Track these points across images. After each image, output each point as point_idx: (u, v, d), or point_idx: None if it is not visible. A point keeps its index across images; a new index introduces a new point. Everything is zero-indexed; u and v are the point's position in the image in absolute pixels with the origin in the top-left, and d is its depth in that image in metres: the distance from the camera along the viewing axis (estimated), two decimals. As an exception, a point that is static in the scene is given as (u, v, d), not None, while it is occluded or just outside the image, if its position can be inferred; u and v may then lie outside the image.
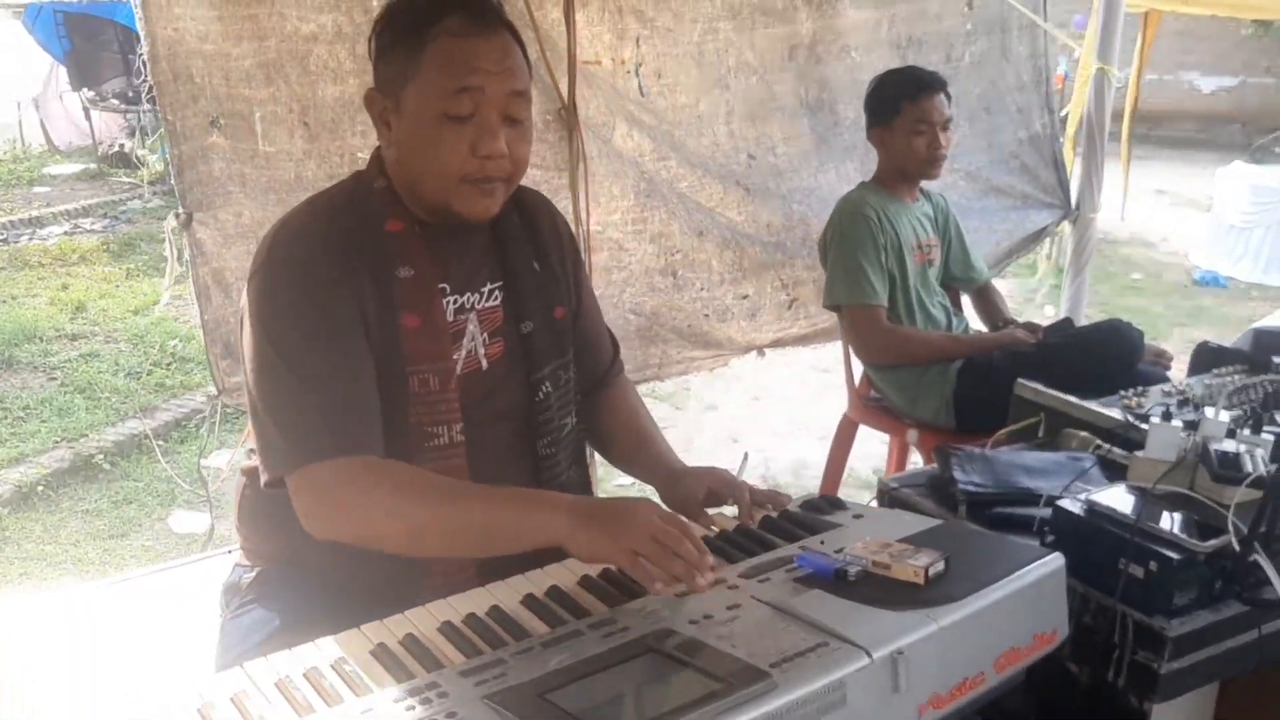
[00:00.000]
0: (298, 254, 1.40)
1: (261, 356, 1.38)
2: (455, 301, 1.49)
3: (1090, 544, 1.59)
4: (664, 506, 1.42)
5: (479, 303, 1.51)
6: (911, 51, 3.36)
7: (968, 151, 3.48)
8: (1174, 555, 1.50)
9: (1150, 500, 1.64)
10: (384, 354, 1.41)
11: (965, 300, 3.13)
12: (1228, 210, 8.85)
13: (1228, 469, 1.62)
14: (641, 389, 4.76)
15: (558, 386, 1.56)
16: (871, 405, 2.98)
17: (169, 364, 5.58)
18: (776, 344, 3.27)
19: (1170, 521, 1.59)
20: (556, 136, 2.61)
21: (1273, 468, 1.61)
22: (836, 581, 1.26)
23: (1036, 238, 3.63)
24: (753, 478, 4.87)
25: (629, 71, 2.82)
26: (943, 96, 2.75)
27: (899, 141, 2.76)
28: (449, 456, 1.43)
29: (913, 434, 2.75)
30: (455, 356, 1.46)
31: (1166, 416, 1.71)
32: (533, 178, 2.58)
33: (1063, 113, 3.73)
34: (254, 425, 1.41)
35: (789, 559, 1.33)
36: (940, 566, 1.26)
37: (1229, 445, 1.66)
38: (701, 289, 2.96)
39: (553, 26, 2.65)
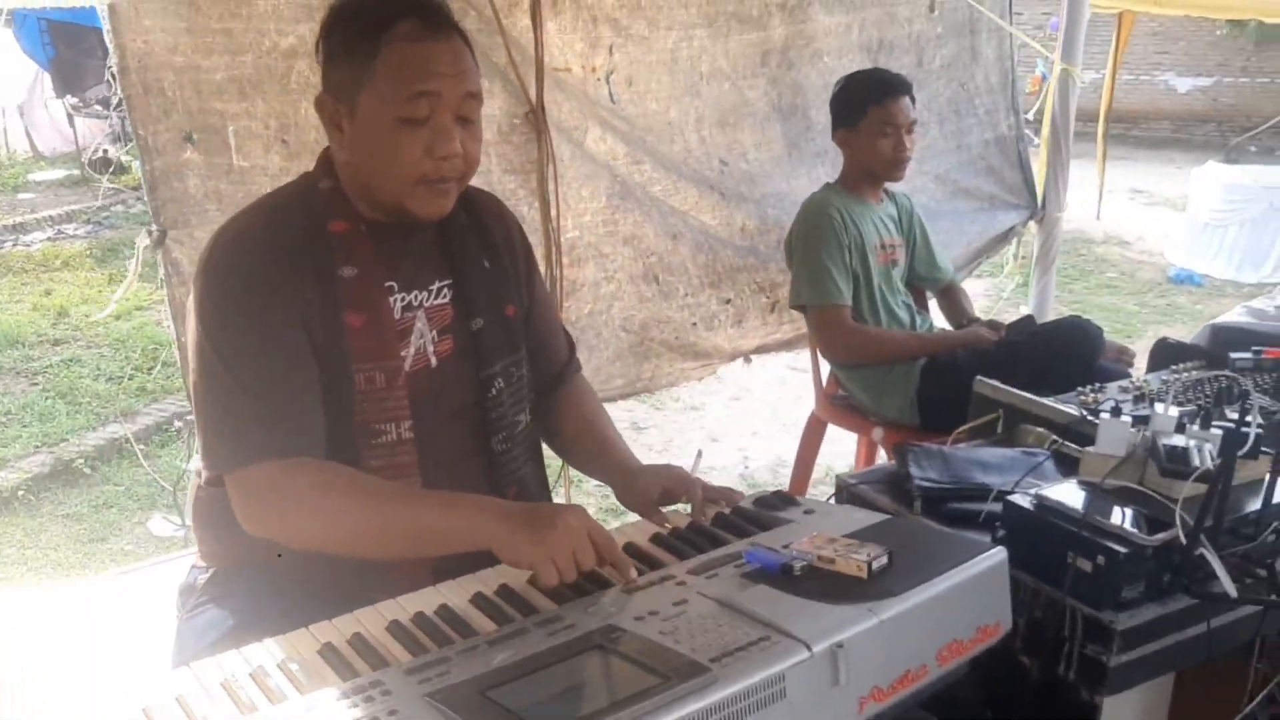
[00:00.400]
0: (239, 255, 1.42)
1: (202, 357, 1.41)
2: (403, 299, 1.50)
3: (1040, 538, 1.61)
4: (594, 516, 1.44)
5: (427, 300, 1.53)
6: (883, 55, 3.38)
7: (937, 154, 3.51)
8: (1121, 549, 1.52)
9: (1099, 495, 1.66)
10: (328, 353, 1.42)
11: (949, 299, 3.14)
12: (1202, 209, 8.93)
13: (1175, 463, 1.64)
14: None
15: (510, 383, 1.58)
16: (838, 404, 3.00)
17: (150, 368, 5.59)
18: (761, 350, 3.30)
19: (1119, 516, 1.61)
20: (524, 139, 2.63)
21: (1219, 461, 1.63)
22: (782, 576, 1.28)
23: (1005, 238, 3.66)
24: (732, 476, 4.88)
25: (599, 79, 2.84)
26: (908, 99, 2.78)
27: (864, 143, 2.78)
28: (397, 454, 1.45)
29: (878, 432, 2.77)
30: (403, 354, 1.48)
31: (1116, 412, 1.73)
32: (500, 179, 2.61)
33: (1029, 113, 3.76)
34: (197, 424, 1.43)
35: (738, 555, 1.35)
36: (884, 560, 1.28)
37: (1178, 440, 1.69)
38: (686, 295, 2.97)
39: (522, 33, 2.67)
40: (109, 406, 5.16)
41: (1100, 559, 1.53)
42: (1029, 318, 2.85)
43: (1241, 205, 8.70)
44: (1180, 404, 1.99)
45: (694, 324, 2.97)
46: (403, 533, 1.35)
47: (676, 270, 2.93)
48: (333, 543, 1.37)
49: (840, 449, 3.60)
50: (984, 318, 2.97)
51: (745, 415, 5.45)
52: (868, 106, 2.76)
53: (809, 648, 1.12)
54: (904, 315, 2.86)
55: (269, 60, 2.46)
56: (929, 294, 3.14)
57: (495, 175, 2.58)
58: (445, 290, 1.55)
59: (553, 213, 2.63)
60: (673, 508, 1.57)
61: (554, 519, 1.29)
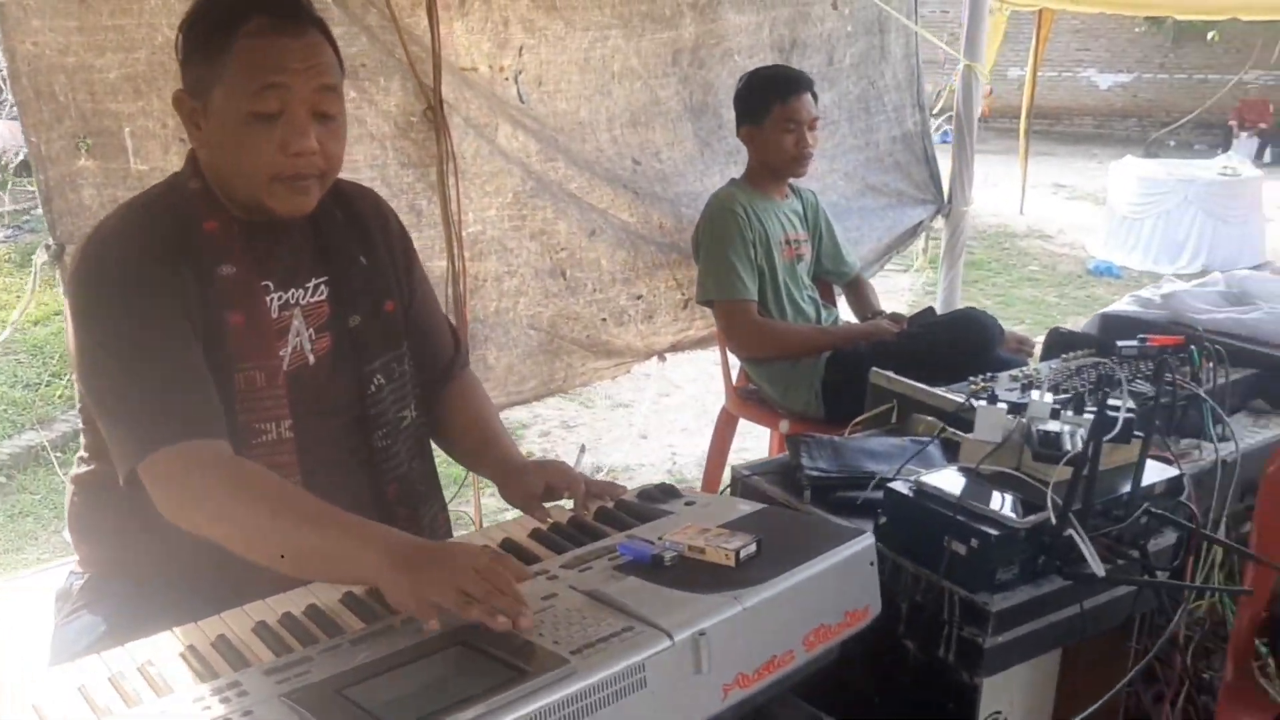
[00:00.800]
0: (116, 254, 1.41)
1: (92, 359, 1.39)
2: (279, 298, 1.50)
3: (917, 523, 1.65)
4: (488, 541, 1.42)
5: (303, 298, 1.52)
6: (795, 54, 3.42)
7: (847, 151, 3.57)
8: (993, 532, 1.56)
9: (977, 480, 1.70)
10: (210, 352, 1.41)
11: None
12: (1120, 203, 9.19)
13: (1048, 447, 1.68)
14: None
15: (391, 379, 1.58)
16: (747, 398, 3.04)
17: (69, 375, 5.47)
18: (676, 347, 3.32)
19: (996, 500, 1.65)
20: (423, 135, 2.62)
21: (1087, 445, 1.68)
22: (652, 568, 1.30)
23: (913, 233, 3.73)
24: (660, 473, 4.88)
25: (507, 79, 2.84)
26: (809, 96, 2.82)
27: (768, 140, 2.82)
28: (277, 452, 1.44)
29: (785, 424, 2.81)
30: (281, 353, 1.48)
31: (993, 400, 1.78)
32: (398, 174, 2.60)
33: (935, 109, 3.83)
34: (103, 428, 1.40)
35: (613, 548, 1.36)
36: (752, 549, 1.31)
37: (1052, 425, 1.73)
38: (594, 290, 2.98)
39: (425, 33, 2.66)
40: (25, 414, 5.04)
41: (974, 542, 1.57)
42: (929, 310, 2.91)
43: (1157, 198, 8.96)
44: (1064, 391, 2.04)
45: (603, 319, 2.98)
46: (291, 551, 1.29)
47: (586, 266, 2.93)
48: (232, 543, 1.34)
49: (763, 443, 3.64)
50: (912, 311, 3.01)
51: (673, 412, 5.48)
52: (770, 104, 2.79)
53: (670, 637, 1.14)
54: (810, 309, 2.90)
55: (162, 56, 2.42)
56: (836, 288, 3.19)
57: (393, 170, 2.58)
58: (322, 288, 1.54)
59: (453, 207, 2.62)
60: (556, 504, 1.58)
61: (437, 557, 1.22)
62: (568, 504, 1.58)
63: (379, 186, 2.52)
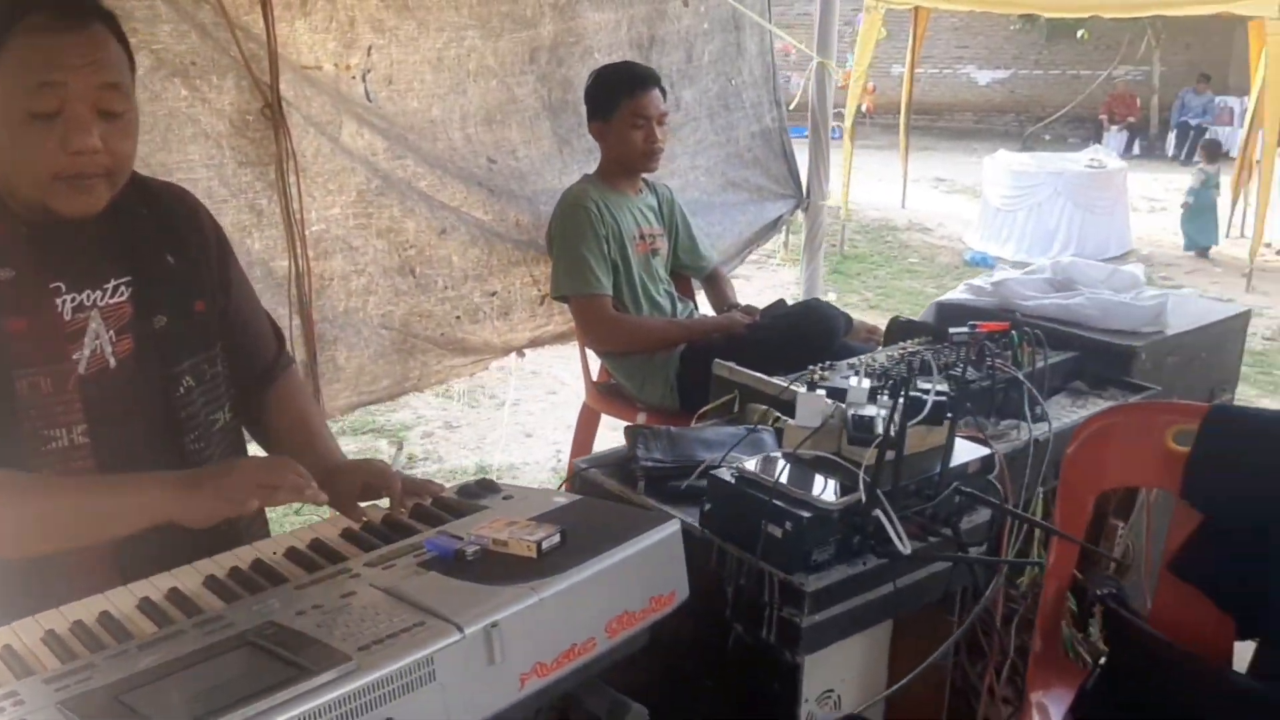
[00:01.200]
0: None
1: None
2: (73, 300, 1.46)
3: (739, 509, 1.69)
4: None
5: (101, 299, 1.48)
6: (654, 51, 3.45)
7: (708, 148, 3.62)
8: (805, 514, 1.60)
9: (798, 465, 1.75)
10: None
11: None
12: (994, 195, 9.52)
13: (861, 431, 1.74)
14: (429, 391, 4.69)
15: (202, 381, 1.56)
16: (606, 392, 3.06)
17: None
18: (535, 343, 3.32)
19: (817, 484, 1.70)
20: (260, 134, 2.57)
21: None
22: (455, 563, 1.30)
23: (773, 227, 3.80)
24: (544, 471, 4.85)
25: (354, 77, 2.80)
26: (658, 91, 2.85)
27: (618, 136, 2.84)
28: (71, 459, 1.41)
29: (641, 418, 2.84)
30: (76, 356, 1.44)
31: (811, 387, 1.83)
32: (236, 172, 2.55)
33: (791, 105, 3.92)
34: None
35: (419, 545, 1.37)
36: (555, 540, 1.32)
37: (869, 410, 1.79)
38: (446, 288, 2.96)
39: (264, 30, 2.62)
40: None
41: (788, 525, 1.61)
42: (780, 302, 2.97)
43: (1029, 191, 9.31)
44: (891, 377, 2.11)
45: (457, 317, 2.97)
46: (71, 520, 1.34)
47: (437, 264, 2.92)
48: (27, 545, 1.34)
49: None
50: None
51: (560, 409, 5.49)
52: (618, 99, 2.82)
53: (461, 630, 1.14)
54: (666, 303, 2.94)
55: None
56: (695, 282, 3.24)
57: (230, 169, 2.53)
58: (123, 288, 1.51)
59: (294, 206, 2.59)
60: (371, 503, 1.57)
61: (223, 468, 1.35)
62: (386, 503, 1.58)
63: (216, 186, 2.48)
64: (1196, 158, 10.56)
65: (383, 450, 5.32)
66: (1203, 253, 9.41)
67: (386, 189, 2.80)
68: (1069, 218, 9.20)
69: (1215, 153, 10.06)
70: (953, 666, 2.01)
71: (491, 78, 3.09)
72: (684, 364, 2.77)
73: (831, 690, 1.88)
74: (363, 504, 1.56)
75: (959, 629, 1.75)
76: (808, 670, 1.72)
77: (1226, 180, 9.59)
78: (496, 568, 1.28)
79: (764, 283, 7.52)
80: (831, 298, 8.16)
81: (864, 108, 15.16)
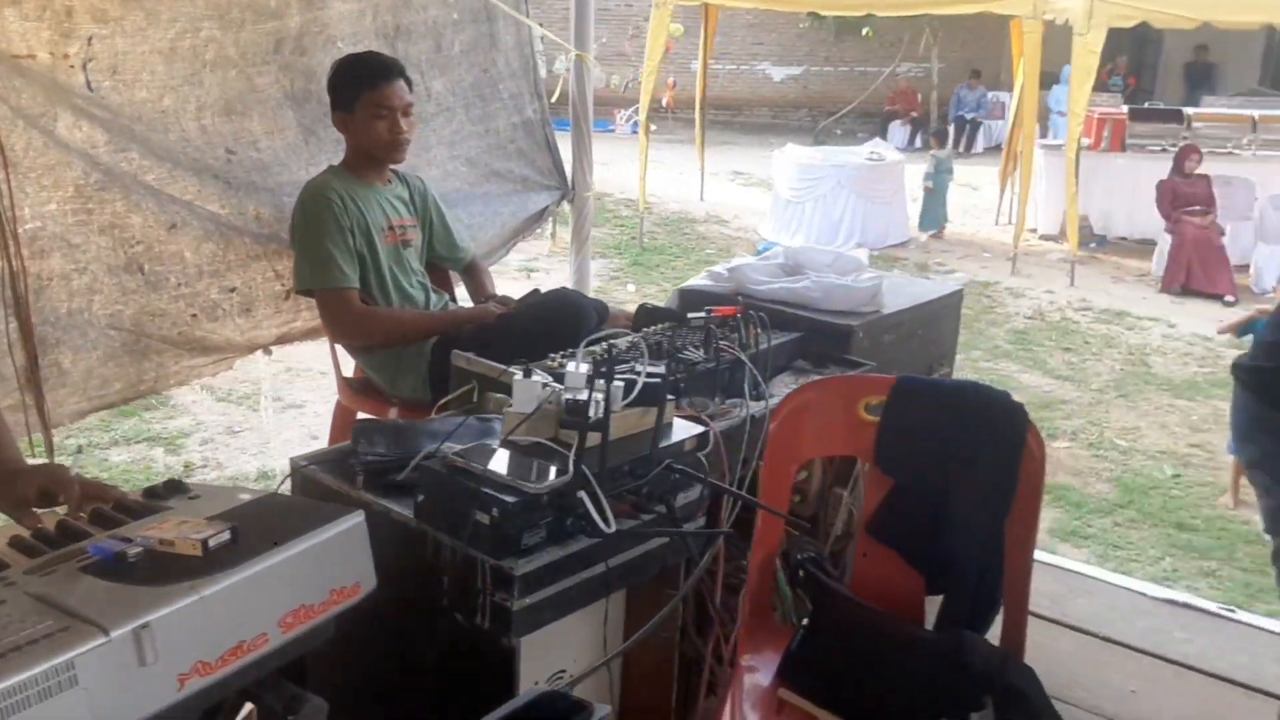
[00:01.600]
0: None
1: None
2: None
3: (450, 497, 1.70)
4: None
5: None
6: (401, 41, 3.39)
7: (466, 138, 3.59)
8: (511, 499, 1.62)
9: (513, 451, 1.77)
10: None
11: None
12: (784, 188, 9.91)
13: (574, 414, 1.77)
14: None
15: None
16: (358, 388, 3.01)
17: None
18: (284, 340, 3.21)
19: (528, 469, 1.72)
20: (-40, 131, 2.40)
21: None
22: (116, 565, 1.26)
23: (539, 218, 3.82)
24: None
25: (73, 67, 2.64)
26: (402, 82, 2.81)
27: (360, 127, 2.78)
28: None
29: (393, 413, 2.81)
30: None
31: (527, 374, 1.85)
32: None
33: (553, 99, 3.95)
34: None
35: (84, 549, 1.31)
36: (225, 537, 1.29)
37: (583, 394, 1.83)
38: (179, 285, 2.83)
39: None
40: None
41: (495, 511, 1.63)
42: (535, 291, 2.98)
43: (814, 183, 9.74)
44: (628, 360, 2.15)
45: (194, 315, 2.84)
46: None
47: (167, 260, 2.78)
48: None
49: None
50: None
51: (348, 410, 5.35)
52: (360, 91, 2.76)
53: (106, 632, 1.11)
54: (419, 295, 2.90)
55: None
56: (454, 274, 3.22)
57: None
58: None
59: (5, 203, 2.42)
60: (48, 509, 1.50)
61: None
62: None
63: (-90, 183, 2.29)
64: (930, 146, 11.42)
65: (158, 460, 5.09)
66: (937, 235, 10.14)
67: (109, 183, 2.64)
68: (852, 208, 9.67)
69: (944, 139, 11.03)
70: (681, 639, 2.08)
71: (231, 68, 2.97)
72: (435, 357, 2.74)
73: (564, 671, 1.91)
74: (40, 510, 1.49)
75: (673, 600, 1.81)
76: (530, 653, 1.75)
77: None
78: (160, 568, 1.25)
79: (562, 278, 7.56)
80: (630, 289, 8.29)
81: (665, 102, 15.49)
